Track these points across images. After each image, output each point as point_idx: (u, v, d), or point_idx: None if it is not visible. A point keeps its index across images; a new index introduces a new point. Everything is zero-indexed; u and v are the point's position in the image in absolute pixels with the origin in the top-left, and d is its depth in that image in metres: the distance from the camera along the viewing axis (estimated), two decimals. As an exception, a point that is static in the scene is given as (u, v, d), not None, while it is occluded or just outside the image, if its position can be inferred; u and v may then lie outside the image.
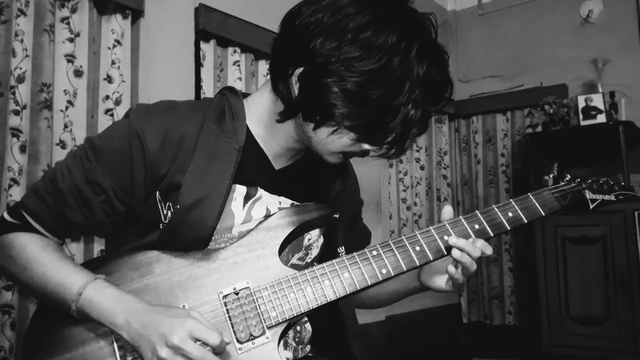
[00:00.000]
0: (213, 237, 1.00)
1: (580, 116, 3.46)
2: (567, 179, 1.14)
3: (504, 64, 4.23)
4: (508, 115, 4.16)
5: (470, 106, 4.29)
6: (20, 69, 1.87)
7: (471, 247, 0.99)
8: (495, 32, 4.31)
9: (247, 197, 1.04)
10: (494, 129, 4.21)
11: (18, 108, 1.85)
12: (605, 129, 3.39)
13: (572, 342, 3.24)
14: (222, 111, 1.04)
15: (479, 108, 4.26)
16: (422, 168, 4.11)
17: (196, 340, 0.87)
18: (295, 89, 0.95)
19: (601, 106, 3.42)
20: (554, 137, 3.63)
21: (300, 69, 0.93)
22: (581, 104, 3.46)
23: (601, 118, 3.41)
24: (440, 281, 1.07)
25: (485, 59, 4.33)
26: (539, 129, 3.67)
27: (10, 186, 1.82)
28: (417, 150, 4.08)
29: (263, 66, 2.90)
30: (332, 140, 0.97)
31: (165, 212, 0.99)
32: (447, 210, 1.05)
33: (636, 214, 3.06)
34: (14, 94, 1.85)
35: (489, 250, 1.00)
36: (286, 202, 1.09)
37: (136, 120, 0.99)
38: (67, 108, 2.06)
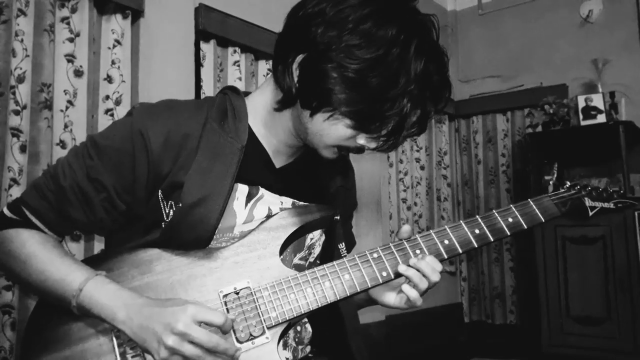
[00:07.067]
0: (214, 237, 1.00)
1: (580, 116, 3.46)
2: (567, 185, 1.16)
3: (504, 64, 4.23)
4: (508, 115, 4.16)
5: (470, 106, 4.29)
6: (20, 69, 1.87)
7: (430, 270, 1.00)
8: (495, 32, 4.31)
9: (249, 197, 1.04)
10: (494, 129, 4.21)
11: (18, 108, 1.85)
12: (605, 129, 3.39)
13: (572, 342, 3.23)
14: (224, 110, 1.05)
15: (479, 108, 4.27)
16: (422, 168, 4.11)
17: (200, 323, 0.87)
18: (295, 76, 0.96)
19: (601, 106, 3.42)
20: (554, 137, 3.63)
21: (301, 56, 0.95)
22: (581, 104, 3.46)
23: (601, 118, 3.41)
24: (390, 297, 1.07)
25: (485, 59, 4.33)
26: (539, 129, 3.67)
27: (10, 186, 1.82)
28: (417, 150, 4.08)
29: (263, 66, 2.90)
30: (327, 128, 0.97)
31: (167, 211, 0.99)
32: (405, 230, 1.05)
33: (636, 214, 3.06)
34: (14, 94, 1.85)
35: (438, 267, 1.01)
36: (287, 201, 1.09)
37: (139, 119, 0.99)
38: (67, 108, 2.06)
